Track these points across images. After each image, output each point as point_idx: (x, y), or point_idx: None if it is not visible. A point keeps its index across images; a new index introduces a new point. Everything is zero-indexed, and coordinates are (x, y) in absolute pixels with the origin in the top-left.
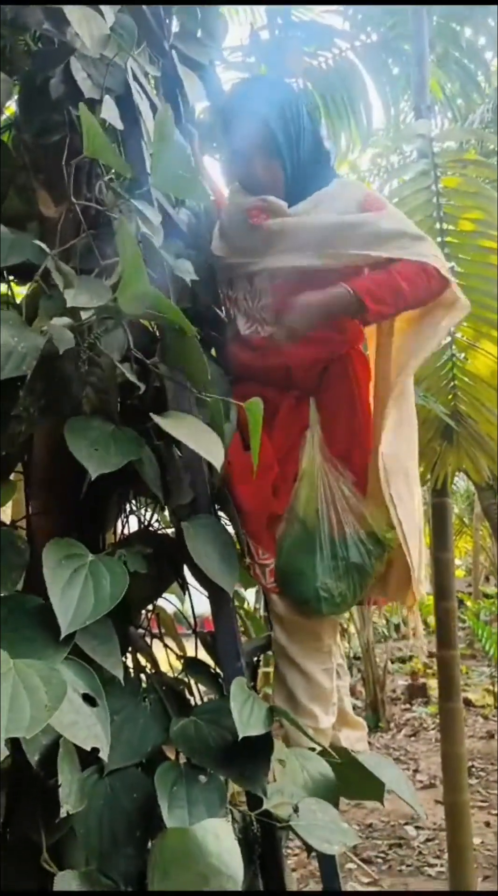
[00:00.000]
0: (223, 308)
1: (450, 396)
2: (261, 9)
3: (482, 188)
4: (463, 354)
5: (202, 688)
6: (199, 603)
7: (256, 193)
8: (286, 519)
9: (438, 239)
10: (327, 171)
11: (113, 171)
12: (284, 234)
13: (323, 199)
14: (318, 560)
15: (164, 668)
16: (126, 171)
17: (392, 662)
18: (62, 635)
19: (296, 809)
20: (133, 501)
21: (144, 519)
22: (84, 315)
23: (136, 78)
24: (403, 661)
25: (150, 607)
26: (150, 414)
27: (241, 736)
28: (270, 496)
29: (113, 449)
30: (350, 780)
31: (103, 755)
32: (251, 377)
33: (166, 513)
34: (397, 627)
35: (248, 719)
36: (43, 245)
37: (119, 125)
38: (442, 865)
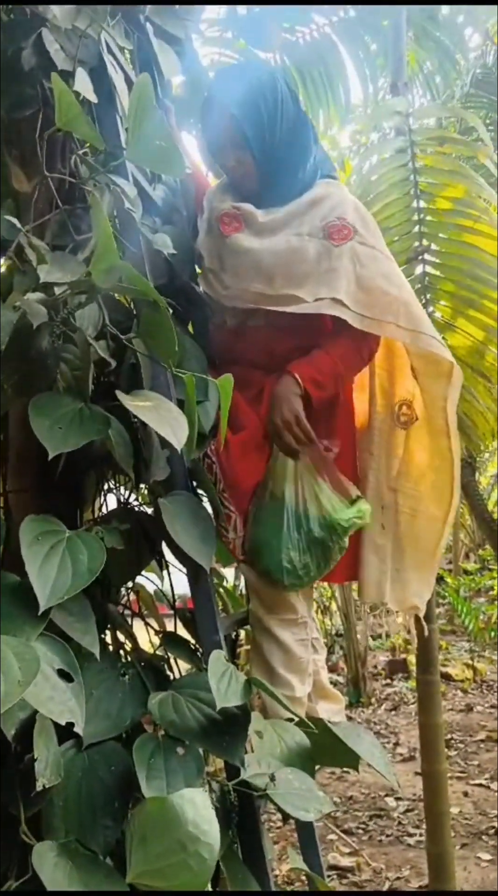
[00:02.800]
0: (207, 296)
1: None
2: None
3: (460, 166)
4: (441, 334)
5: (183, 665)
6: (180, 583)
7: (233, 184)
8: (258, 493)
9: (415, 217)
10: (312, 163)
11: (87, 145)
12: (244, 254)
13: (299, 212)
14: (284, 533)
15: (145, 646)
16: (100, 144)
17: (373, 638)
18: (40, 610)
19: (272, 779)
20: (111, 480)
21: (123, 497)
22: (58, 290)
23: (110, 51)
24: (383, 637)
25: (130, 585)
26: (116, 392)
27: (218, 707)
28: (262, 474)
29: (76, 427)
30: (326, 749)
31: (78, 729)
32: (236, 361)
33: (145, 490)
34: (373, 608)
35: (225, 691)
36: (14, 220)
37: (93, 98)
38: (421, 835)
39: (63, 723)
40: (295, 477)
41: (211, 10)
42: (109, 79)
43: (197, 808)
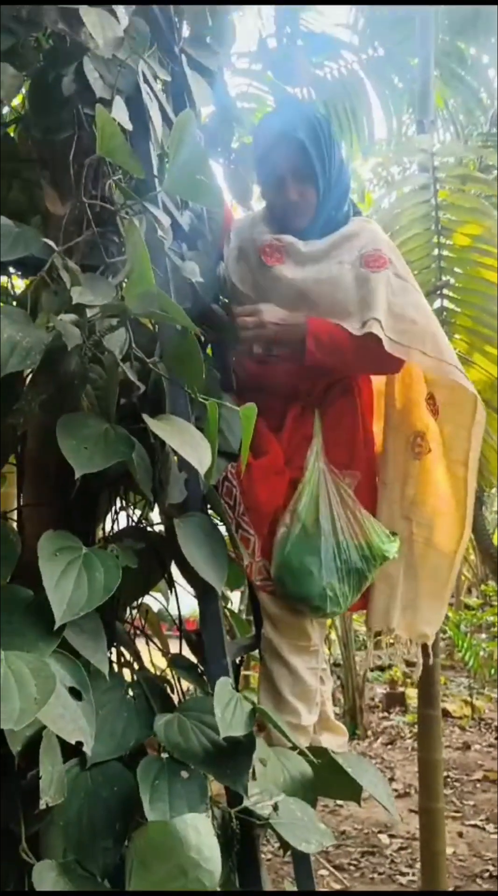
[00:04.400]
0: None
1: None
2: (269, 15)
3: (481, 203)
4: None
5: (185, 686)
6: (184, 604)
7: (286, 218)
8: (286, 521)
9: (435, 252)
10: (348, 199)
11: (120, 170)
12: (288, 284)
13: (339, 243)
14: (323, 561)
15: (147, 665)
16: (140, 173)
17: (371, 670)
18: (56, 626)
19: (275, 808)
20: (123, 498)
21: (134, 515)
22: (89, 313)
23: (146, 80)
24: (382, 669)
25: (136, 604)
26: (143, 415)
27: (222, 736)
28: (282, 498)
29: (102, 448)
30: (328, 781)
31: (87, 749)
32: (259, 388)
33: (156, 510)
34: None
35: (230, 720)
36: (50, 242)
37: (128, 126)
38: (414, 874)
39: (73, 742)
40: (330, 504)
41: (242, 43)
42: (145, 108)
43: (200, 833)
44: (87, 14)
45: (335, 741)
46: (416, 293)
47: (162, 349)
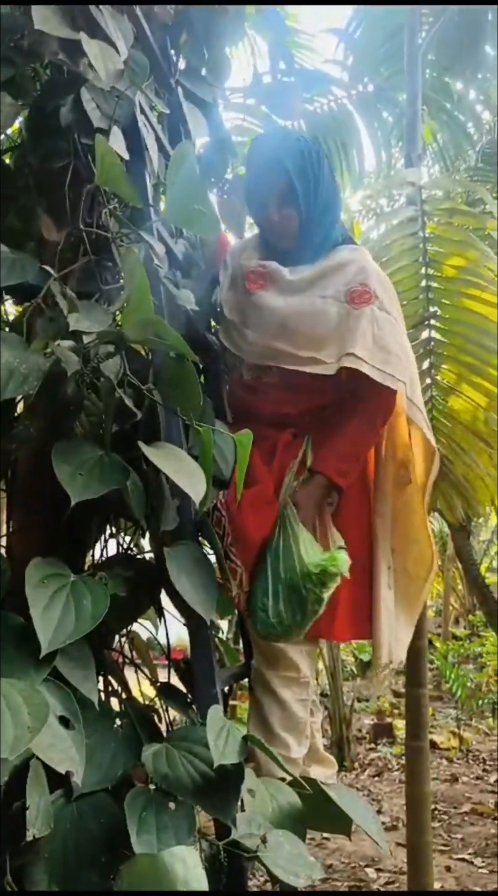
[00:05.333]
0: (226, 349)
1: None
2: (263, 50)
3: (468, 236)
4: (443, 397)
5: (172, 715)
6: (172, 632)
7: (270, 239)
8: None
9: (423, 283)
10: (339, 225)
11: (115, 199)
12: (269, 312)
13: (326, 273)
14: (264, 580)
15: (135, 694)
16: (137, 202)
17: (359, 701)
18: (42, 654)
19: (264, 840)
20: (113, 525)
21: (124, 543)
22: (86, 339)
23: (142, 111)
24: (369, 700)
25: (124, 632)
26: (139, 443)
27: (216, 764)
28: (270, 529)
29: (97, 475)
30: (318, 813)
31: (77, 778)
32: (250, 416)
33: (146, 538)
34: (367, 665)
35: (223, 748)
36: (48, 269)
37: (125, 155)
38: None
39: (63, 772)
40: (283, 526)
41: (236, 78)
42: (141, 138)
43: (188, 866)
44: (90, 45)
45: (324, 773)
46: (400, 328)
47: (156, 376)
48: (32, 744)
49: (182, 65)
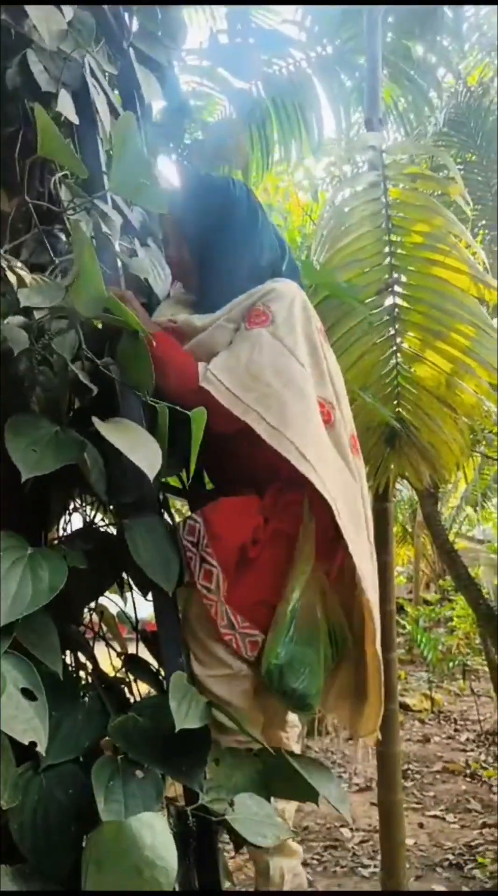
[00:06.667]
0: None
1: (394, 403)
2: (221, 12)
3: (431, 202)
4: (408, 364)
5: (144, 690)
6: (146, 607)
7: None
8: (280, 605)
9: (387, 249)
10: (263, 266)
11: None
12: None
13: (236, 304)
14: (322, 657)
15: (107, 668)
16: (82, 173)
17: None
18: None
19: (231, 804)
20: (78, 499)
21: (88, 517)
22: (37, 315)
23: (93, 74)
24: None
25: (92, 606)
26: (93, 418)
27: (177, 728)
28: (249, 536)
29: (52, 451)
30: (284, 782)
31: (41, 748)
32: (238, 477)
33: (110, 513)
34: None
35: (186, 713)
36: None
37: (75, 119)
38: (375, 866)
39: (26, 742)
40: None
41: (193, 38)
42: (92, 101)
43: (155, 832)
44: (32, 7)
45: (289, 863)
46: (287, 358)
47: (111, 351)
48: None
49: (135, 27)
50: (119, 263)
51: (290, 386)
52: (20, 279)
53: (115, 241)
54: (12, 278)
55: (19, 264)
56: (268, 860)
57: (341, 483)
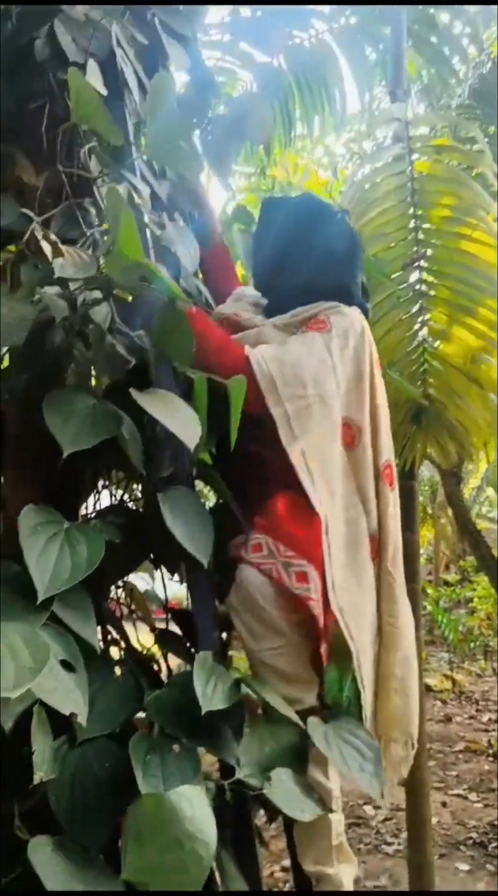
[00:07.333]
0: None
1: (420, 381)
2: None
3: (458, 174)
4: (435, 340)
5: (173, 665)
6: (171, 586)
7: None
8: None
9: (412, 224)
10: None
11: (95, 138)
12: None
13: (295, 314)
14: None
15: (134, 645)
16: (118, 140)
17: None
18: (39, 600)
19: (268, 779)
20: (105, 478)
21: (116, 495)
22: (72, 286)
23: (120, 44)
24: None
25: (121, 584)
26: (130, 390)
27: (203, 711)
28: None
29: (90, 425)
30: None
31: (82, 720)
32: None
33: (139, 490)
34: None
35: (211, 695)
36: (29, 212)
37: (103, 90)
38: (399, 844)
39: (67, 713)
40: None
41: (215, 13)
42: (120, 72)
43: (194, 805)
44: None
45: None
46: (327, 371)
47: (145, 322)
48: (35, 687)
49: None
50: (148, 235)
51: (323, 401)
52: (56, 249)
53: (145, 212)
54: (47, 248)
55: (53, 236)
56: (330, 872)
57: (343, 501)
